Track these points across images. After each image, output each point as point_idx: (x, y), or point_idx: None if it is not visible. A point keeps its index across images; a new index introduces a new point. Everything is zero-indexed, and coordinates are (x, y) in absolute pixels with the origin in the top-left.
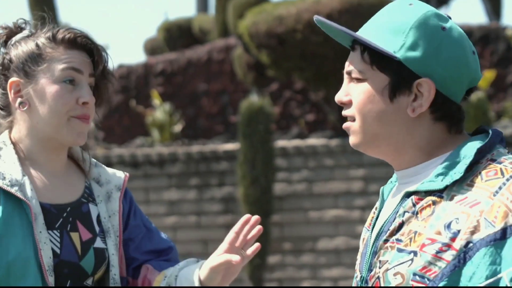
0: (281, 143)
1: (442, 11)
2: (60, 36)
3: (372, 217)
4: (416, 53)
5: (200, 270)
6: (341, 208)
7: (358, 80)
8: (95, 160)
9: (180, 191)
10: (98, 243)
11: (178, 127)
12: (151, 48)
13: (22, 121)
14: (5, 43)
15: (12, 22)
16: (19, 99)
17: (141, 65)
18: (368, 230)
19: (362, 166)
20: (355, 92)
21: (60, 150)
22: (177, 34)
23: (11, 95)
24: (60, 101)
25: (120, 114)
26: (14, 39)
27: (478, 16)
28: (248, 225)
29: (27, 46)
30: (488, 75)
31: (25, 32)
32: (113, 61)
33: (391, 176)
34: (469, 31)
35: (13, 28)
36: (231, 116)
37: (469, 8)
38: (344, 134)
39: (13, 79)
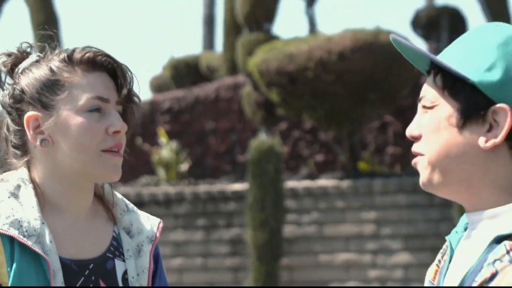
0: (290, 183)
1: None
2: (77, 56)
3: (437, 270)
4: (493, 76)
5: None
6: (352, 252)
7: (429, 108)
8: (130, 204)
9: (186, 232)
10: None
11: (184, 166)
12: (157, 86)
13: (44, 160)
14: (11, 72)
15: (15, 48)
16: (40, 136)
17: (147, 102)
18: (433, 284)
19: (374, 209)
20: (424, 123)
21: (86, 189)
22: (184, 72)
23: (29, 132)
24: (88, 133)
25: (125, 152)
26: (21, 66)
27: None
28: None
29: (40, 73)
30: None
31: (33, 57)
32: (138, 82)
33: (405, 220)
34: None
35: (19, 54)
36: (239, 156)
37: None
38: (356, 175)
39: (30, 113)
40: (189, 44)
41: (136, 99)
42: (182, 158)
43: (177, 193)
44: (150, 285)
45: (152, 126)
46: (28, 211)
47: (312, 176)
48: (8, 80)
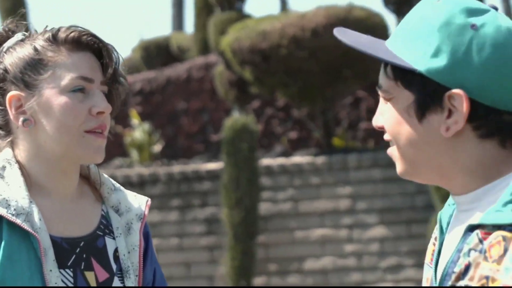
0: (265, 161)
1: None
2: (62, 36)
3: (433, 250)
4: (440, 62)
5: None
6: (328, 227)
7: (387, 99)
8: (116, 184)
9: (161, 212)
10: (116, 284)
11: (157, 147)
12: (128, 68)
13: (26, 141)
14: None
15: (0, 27)
16: (22, 116)
17: None
18: (431, 268)
19: (349, 184)
20: (386, 114)
21: (71, 171)
22: (155, 53)
23: (11, 112)
24: (71, 114)
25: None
26: (6, 45)
27: None
28: None
29: (24, 52)
30: None
31: (18, 36)
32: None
33: (379, 194)
34: None
35: (3, 33)
36: (212, 135)
37: None
38: (330, 151)
39: (12, 92)
40: (158, 25)
41: (122, 79)
42: (154, 139)
43: (150, 174)
44: (141, 263)
45: (124, 108)
46: (15, 190)
47: (286, 154)
48: None
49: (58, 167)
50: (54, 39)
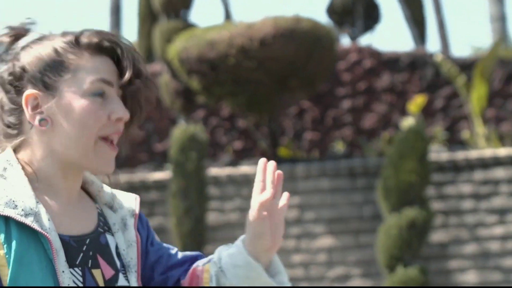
0: (213, 171)
1: (367, 36)
2: (85, 40)
3: None
4: None
5: (243, 245)
6: None
7: None
8: (101, 183)
9: None
10: (122, 281)
11: None
12: None
13: (40, 141)
14: (10, 46)
15: (18, 22)
16: (39, 116)
17: None
18: None
19: (297, 194)
20: None
21: (79, 175)
22: None
23: (28, 111)
24: (92, 117)
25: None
26: (21, 42)
27: (405, 42)
28: (269, 168)
29: (44, 52)
30: (419, 100)
31: (35, 35)
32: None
33: (327, 204)
34: (397, 57)
35: (21, 29)
36: (156, 144)
37: (395, 34)
38: (277, 161)
39: (30, 91)
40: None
41: (147, 81)
42: None
43: None
44: (139, 259)
45: None
46: (20, 190)
47: (233, 163)
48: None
49: (69, 168)
50: (76, 43)
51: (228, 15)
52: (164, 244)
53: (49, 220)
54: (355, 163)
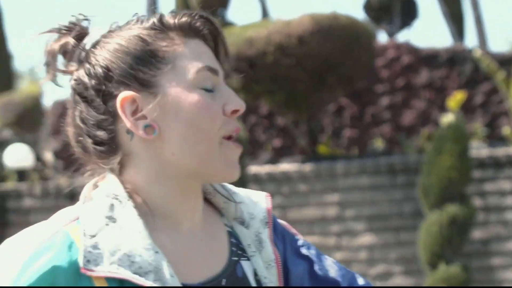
0: (253, 169)
1: (405, 33)
2: (171, 21)
3: None
4: None
5: None
6: (317, 235)
7: None
8: (228, 186)
9: None
10: None
11: None
12: None
13: (146, 156)
14: (74, 49)
15: (73, 20)
16: (142, 122)
17: None
18: None
19: (336, 191)
20: None
21: (199, 192)
22: None
23: (127, 118)
24: (207, 114)
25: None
26: (89, 40)
27: (443, 38)
28: None
29: (128, 43)
30: (458, 96)
31: (99, 30)
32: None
33: (367, 201)
34: (435, 53)
35: (81, 28)
36: None
37: (433, 30)
38: (316, 159)
39: (125, 93)
40: None
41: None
42: None
43: None
44: (281, 280)
45: None
46: (134, 238)
47: (273, 161)
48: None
49: (185, 187)
50: (162, 25)
51: (265, 13)
52: (304, 251)
53: (172, 276)
54: (395, 160)
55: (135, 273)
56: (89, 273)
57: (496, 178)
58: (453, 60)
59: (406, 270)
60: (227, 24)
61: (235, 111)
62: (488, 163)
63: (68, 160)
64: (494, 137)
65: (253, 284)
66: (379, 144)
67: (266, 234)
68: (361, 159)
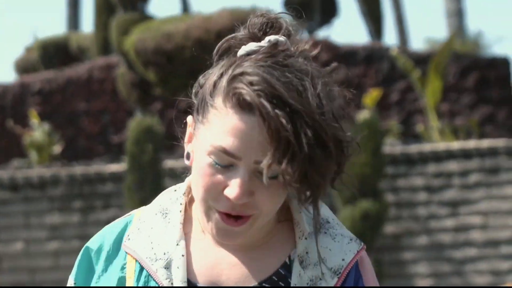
0: (170, 163)
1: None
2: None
3: None
4: None
5: None
6: None
7: None
8: (331, 221)
9: (63, 214)
10: None
11: (57, 148)
12: (23, 67)
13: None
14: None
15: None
16: (189, 147)
17: (17, 84)
18: None
19: None
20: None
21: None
22: (53, 52)
23: (187, 138)
24: (204, 184)
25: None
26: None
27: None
28: None
29: (214, 76)
30: (374, 94)
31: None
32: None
33: None
34: (354, 50)
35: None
36: (113, 136)
37: (352, 28)
38: None
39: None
40: (51, 23)
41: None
42: (54, 140)
43: (52, 175)
44: None
45: (23, 108)
46: (168, 230)
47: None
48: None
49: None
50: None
51: (185, 7)
52: None
53: (178, 268)
54: None
55: (147, 257)
56: (122, 246)
57: (408, 175)
58: (371, 58)
59: None
60: (146, 17)
61: (228, 197)
62: (401, 159)
63: None
64: (408, 135)
65: None
66: None
67: (329, 284)
68: None
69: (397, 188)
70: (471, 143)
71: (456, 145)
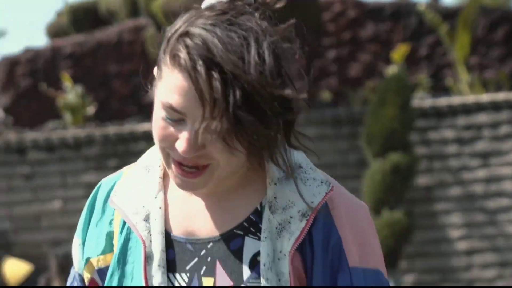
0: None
1: None
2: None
3: None
4: None
5: None
6: None
7: None
8: (304, 166)
9: (98, 173)
10: None
11: (91, 110)
12: (55, 32)
13: None
14: None
15: None
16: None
17: (48, 48)
18: None
19: None
20: None
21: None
22: (83, 16)
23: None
24: (157, 134)
25: (29, 98)
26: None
27: None
28: None
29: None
30: (402, 49)
31: None
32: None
33: (313, 151)
34: (381, 7)
35: None
36: (144, 97)
37: None
38: None
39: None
40: None
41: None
42: (87, 101)
43: (86, 136)
44: (291, 273)
45: (55, 71)
46: (149, 183)
47: None
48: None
49: None
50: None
51: None
52: (341, 281)
53: (155, 220)
54: (340, 111)
55: (130, 212)
56: (109, 203)
57: (438, 127)
58: (398, 14)
59: None
60: None
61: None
62: (430, 113)
63: (18, 116)
64: (438, 89)
65: (246, 260)
66: (326, 96)
67: (297, 226)
68: (307, 111)
69: (428, 141)
70: (501, 96)
71: (485, 97)
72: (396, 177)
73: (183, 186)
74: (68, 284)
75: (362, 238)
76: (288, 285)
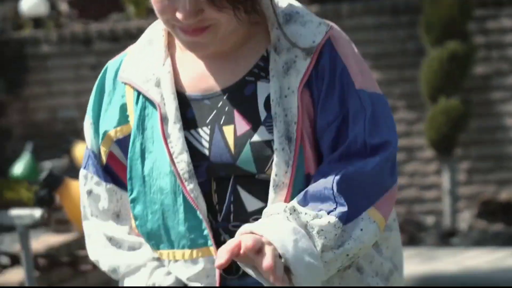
0: None
1: None
2: None
3: None
4: None
5: None
6: None
7: None
8: (294, 12)
9: None
10: (260, 135)
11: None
12: None
13: None
14: None
15: None
16: None
17: None
18: None
19: (343, 31)
20: None
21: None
22: None
23: None
24: (157, 8)
25: None
26: None
27: None
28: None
29: None
30: None
31: None
32: None
33: (372, 40)
34: None
35: None
36: None
37: None
38: (322, 1)
39: None
40: None
41: None
42: None
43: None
44: (299, 108)
45: None
46: (155, 54)
47: None
48: None
49: None
50: None
51: None
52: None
53: (166, 83)
54: (398, 0)
55: (141, 81)
56: (118, 78)
57: (498, 16)
58: None
59: (409, 105)
60: None
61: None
62: (489, 1)
63: (82, 10)
64: None
65: (261, 104)
66: None
67: (302, 64)
68: (366, 0)
69: (487, 30)
70: None
71: None
72: (453, 65)
73: (193, 47)
74: (83, 163)
75: (361, 66)
76: (295, 120)
